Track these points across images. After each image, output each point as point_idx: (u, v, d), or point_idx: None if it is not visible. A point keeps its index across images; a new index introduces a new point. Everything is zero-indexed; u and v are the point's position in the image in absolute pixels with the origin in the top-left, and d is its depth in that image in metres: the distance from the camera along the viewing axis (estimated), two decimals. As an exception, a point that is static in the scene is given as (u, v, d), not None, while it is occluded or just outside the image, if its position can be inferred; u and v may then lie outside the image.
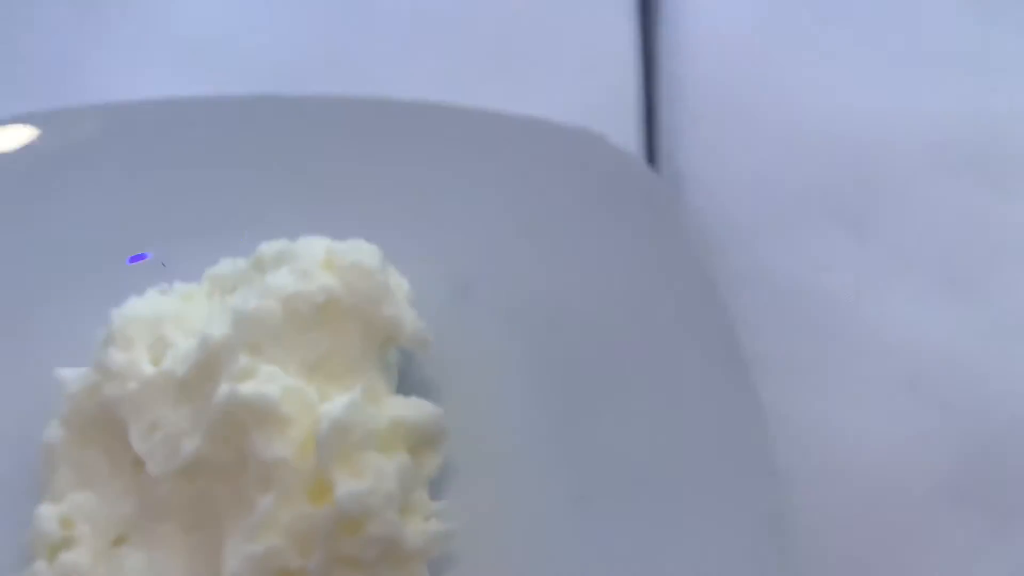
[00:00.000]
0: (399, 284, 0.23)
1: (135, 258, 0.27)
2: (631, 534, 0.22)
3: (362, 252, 0.23)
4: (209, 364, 0.22)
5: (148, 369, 0.23)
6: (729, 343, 0.24)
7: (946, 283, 0.27)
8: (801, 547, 0.22)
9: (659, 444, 0.23)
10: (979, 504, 0.23)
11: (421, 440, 0.22)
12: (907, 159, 0.29)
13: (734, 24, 0.33)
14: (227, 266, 0.25)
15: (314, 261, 0.22)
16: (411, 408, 0.22)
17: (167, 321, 0.23)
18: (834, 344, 0.26)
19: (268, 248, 0.24)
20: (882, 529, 0.23)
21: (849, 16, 0.33)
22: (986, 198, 0.28)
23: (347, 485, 0.20)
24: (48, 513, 0.22)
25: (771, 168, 0.29)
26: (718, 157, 0.29)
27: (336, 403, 0.20)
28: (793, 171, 0.29)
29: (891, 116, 0.30)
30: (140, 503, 0.22)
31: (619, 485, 0.23)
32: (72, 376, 0.24)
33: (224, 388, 0.21)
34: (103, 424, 0.23)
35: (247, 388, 0.20)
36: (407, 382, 0.24)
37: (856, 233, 0.28)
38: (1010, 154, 0.29)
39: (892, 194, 0.29)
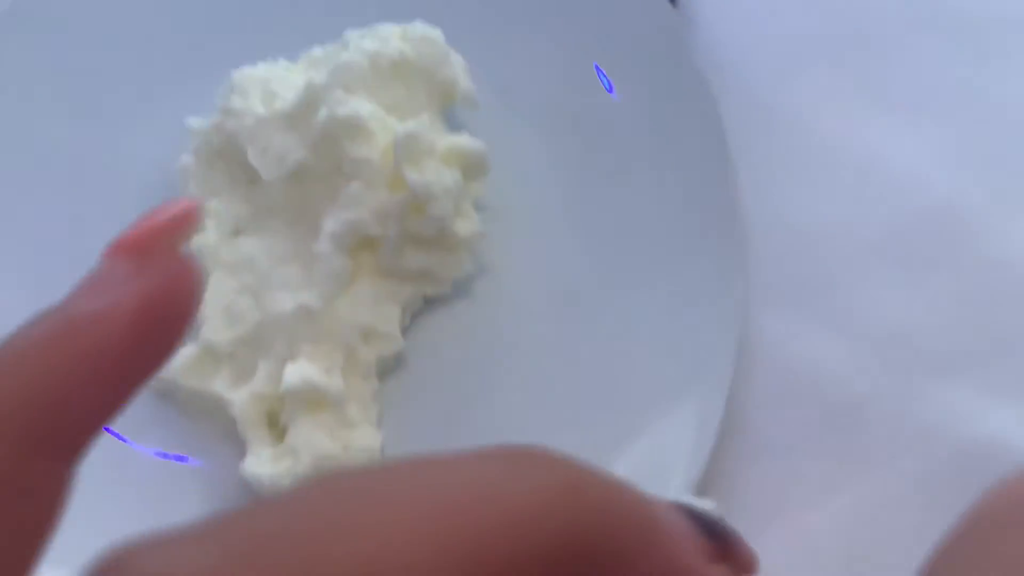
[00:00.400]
0: (458, 58, 0.30)
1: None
2: (624, 276, 0.29)
3: (428, 29, 0.30)
4: (311, 101, 0.29)
5: (262, 109, 0.30)
6: (719, 145, 0.30)
7: (920, 120, 0.33)
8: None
9: (651, 209, 0.30)
10: (899, 259, 0.29)
11: (470, 166, 0.29)
12: (903, 18, 0.35)
13: None
14: (320, 49, 0.31)
15: (391, 33, 0.29)
16: (464, 140, 0.29)
17: (275, 80, 0.30)
18: (812, 155, 0.32)
19: (353, 33, 0.31)
20: (823, 271, 0.29)
21: None
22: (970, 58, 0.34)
23: (416, 176, 0.27)
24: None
25: (777, 18, 0.35)
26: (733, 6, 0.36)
27: (410, 122, 0.27)
28: (797, 21, 0.35)
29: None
30: (254, 207, 0.29)
31: (619, 239, 0.30)
32: (199, 120, 0.31)
33: (324, 110, 0.28)
34: (224, 153, 0.30)
35: (342, 109, 0.27)
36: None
37: (852, 79, 0.34)
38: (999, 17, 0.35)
39: (886, 48, 0.34)
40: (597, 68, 0.31)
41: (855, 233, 0.31)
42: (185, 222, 0.14)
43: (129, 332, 0.13)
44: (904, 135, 0.32)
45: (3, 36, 0.33)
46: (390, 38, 0.29)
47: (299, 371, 0.26)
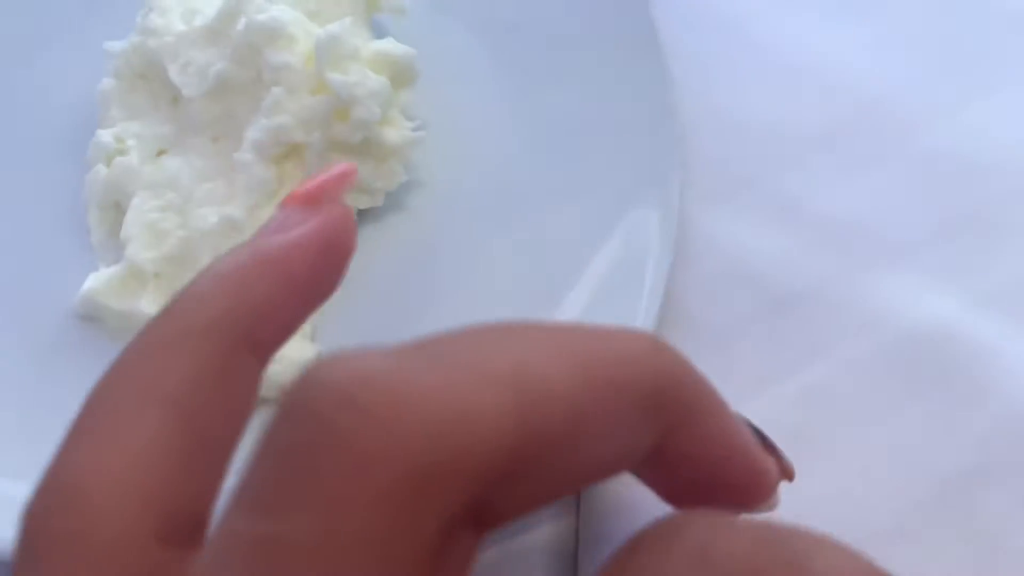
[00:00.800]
0: None
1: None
2: (561, 174, 0.29)
3: None
4: (231, 13, 0.28)
5: (182, 26, 0.29)
6: (651, 43, 0.29)
7: (850, 16, 0.32)
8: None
9: (585, 110, 0.29)
10: (837, 153, 0.29)
11: (398, 72, 0.28)
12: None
13: None
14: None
15: None
16: (390, 44, 0.28)
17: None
18: (745, 54, 0.31)
19: None
20: (761, 166, 0.29)
21: None
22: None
23: (339, 78, 0.26)
24: (104, 134, 0.29)
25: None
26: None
27: (332, 26, 0.26)
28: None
29: None
30: (177, 126, 0.28)
31: (554, 141, 0.29)
32: (118, 43, 0.30)
33: (243, 19, 0.27)
34: (146, 74, 0.29)
35: (263, 16, 0.26)
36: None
37: None
38: None
39: None
40: None
41: (792, 129, 0.30)
42: (344, 179, 0.19)
43: (311, 257, 0.17)
44: (835, 32, 0.32)
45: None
46: None
47: (227, 283, 0.25)
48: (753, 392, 0.26)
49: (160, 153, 0.28)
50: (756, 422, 0.24)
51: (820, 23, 0.32)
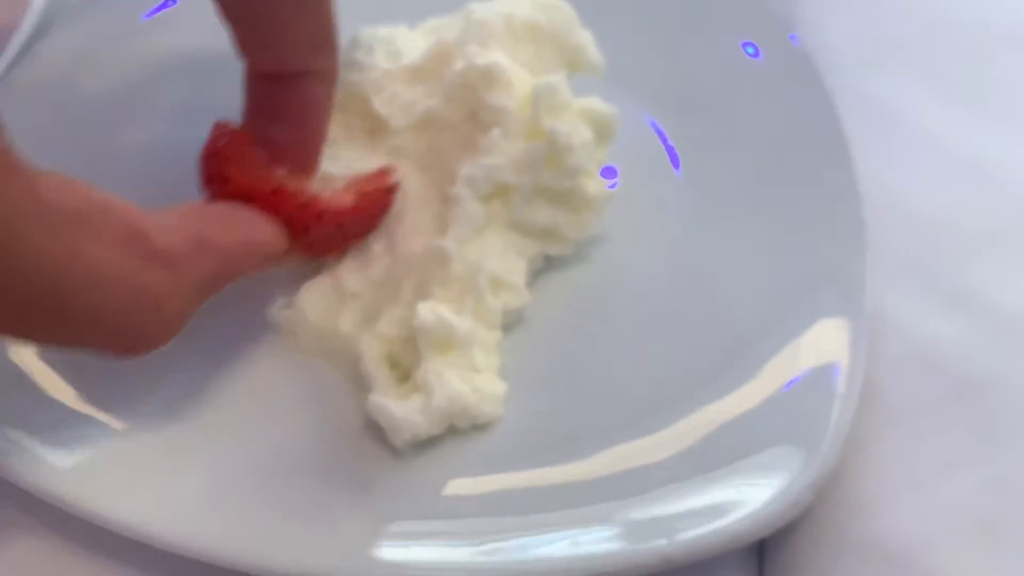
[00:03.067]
0: (586, 32, 0.30)
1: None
2: (743, 242, 0.29)
3: (558, 2, 0.30)
4: (441, 55, 0.29)
5: (386, 64, 0.30)
6: (828, 113, 0.31)
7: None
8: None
9: (764, 171, 0.30)
10: (1014, 247, 0.30)
11: (601, 128, 0.29)
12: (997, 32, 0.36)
13: None
14: (439, 20, 0.32)
15: (520, 1, 0.30)
16: (597, 102, 0.29)
17: (400, 40, 0.31)
18: (922, 149, 0.32)
19: (476, 4, 0.31)
20: (941, 254, 0.30)
21: None
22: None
23: (556, 127, 0.27)
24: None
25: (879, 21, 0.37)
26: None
27: (549, 76, 0.28)
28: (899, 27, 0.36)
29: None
30: (378, 154, 0.29)
31: (733, 206, 0.30)
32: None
33: (461, 61, 0.28)
34: (344, 105, 0.30)
35: (481, 59, 0.27)
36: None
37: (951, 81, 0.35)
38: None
39: (984, 59, 0.35)
40: (744, 44, 0.32)
41: (969, 222, 0.31)
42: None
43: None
44: (1007, 138, 0.33)
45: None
46: (521, 3, 0.29)
47: (432, 309, 0.25)
48: (941, 476, 0.26)
49: None
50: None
51: (992, 124, 0.33)
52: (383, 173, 0.28)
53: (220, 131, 0.25)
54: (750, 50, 0.33)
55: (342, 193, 0.26)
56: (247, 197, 0.24)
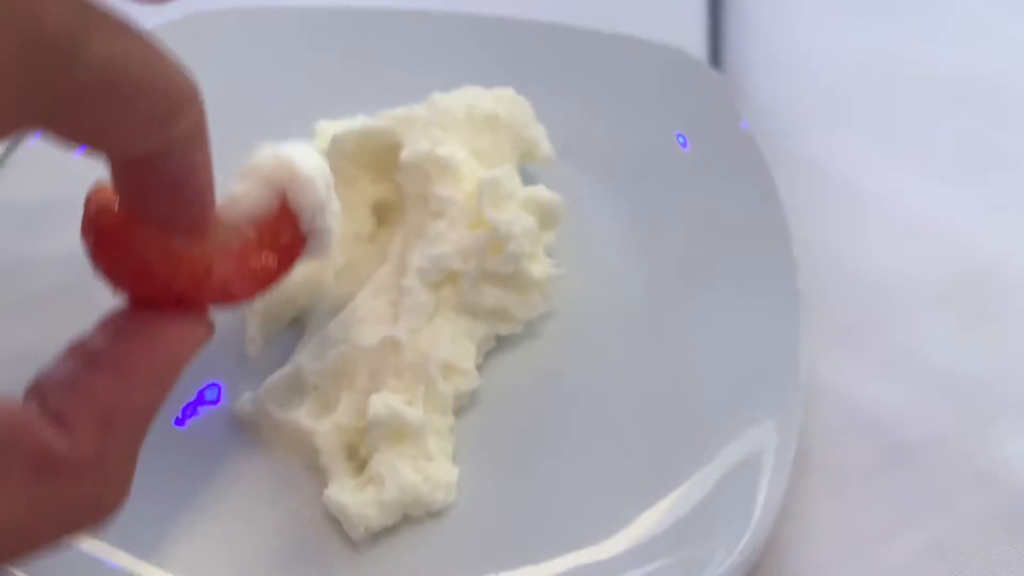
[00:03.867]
0: (540, 127, 0.32)
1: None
2: (688, 316, 0.30)
3: (516, 95, 0.32)
4: (394, 145, 0.30)
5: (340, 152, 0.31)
6: (770, 195, 0.32)
7: (957, 180, 0.35)
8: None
9: (704, 247, 0.32)
10: (951, 309, 0.31)
11: (545, 214, 0.30)
12: (938, 88, 0.38)
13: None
14: (402, 109, 0.33)
15: (484, 94, 0.32)
16: (541, 190, 0.30)
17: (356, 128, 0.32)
18: (858, 211, 0.34)
19: (439, 95, 0.32)
20: (877, 317, 0.31)
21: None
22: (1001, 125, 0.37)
23: (498, 216, 0.28)
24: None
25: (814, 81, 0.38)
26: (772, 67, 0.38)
27: (494, 170, 0.29)
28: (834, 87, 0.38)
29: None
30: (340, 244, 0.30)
31: (679, 284, 0.31)
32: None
33: (423, 144, 0.29)
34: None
35: (441, 149, 0.29)
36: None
37: (889, 140, 0.37)
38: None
39: (921, 114, 0.37)
40: (678, 135, 0.34)
41: (906, 284, 0.32)
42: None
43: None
44: (947, 192, 0.35)
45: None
46: (484, 95, 0.31)
47: (385, 401, 0.26)
48: (878, 541, 0.27)
49: (340, 269, 0.30)
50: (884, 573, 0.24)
51: (933, 184, 0.34)
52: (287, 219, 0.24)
53: (100, 203, 0.22)
54: (681, 137, 0.35)
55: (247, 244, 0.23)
56: (142, 273, 0.21)
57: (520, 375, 0.30)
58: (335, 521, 0.26)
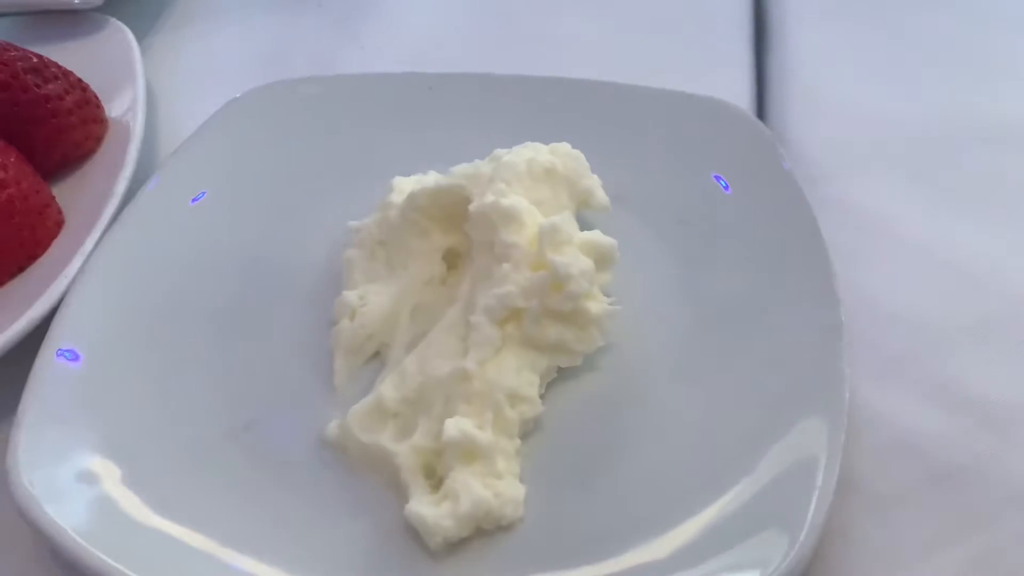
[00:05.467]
0: (594, 177, 0.36)
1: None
2: (735, 347, 0.33)
3: (573, 150, 0.36)
4: (462, 197, 0.34)
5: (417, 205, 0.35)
6: (808, 223, 0.35)
7: (992, 220, 0.37)
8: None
9: (749, 282, 0.34)
10: (988, 342, 0.33)
11: (601, 257, 0.33)
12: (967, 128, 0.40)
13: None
14: (467, 165, 0.37)
15: (540, 148, 0.35)
16: (597, 235, 0.33)
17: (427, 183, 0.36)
18: (897, 251, 0.36)
19: (501, 151, 0.36)
20: (916, 351, 0.33)
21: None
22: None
23: (557, 259, 0.31)
24: (349, 295, 0.34)
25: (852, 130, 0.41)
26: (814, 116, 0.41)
27: (554, 217, 0.32)
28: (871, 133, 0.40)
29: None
30: (413, 286, 0.34)
31: (724, 315, 0.34)
32: (358, 222, 0.36)
33: (489, 196, 0.33)
34: (384, 240, 0.35)
35: (505, 200, 0.32)
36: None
37: (924, 182, 0.39)
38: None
39: (956, 155, 0.40)
40: (716, 177, 0.37)
41: (944, 319, 0.34)
42: None
43: None
44: (979, 233, 0.37)
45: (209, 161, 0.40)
46: (541, 151, 0.35)
47: (457, 425, 0.30)
48: (918, 558, 0.28)
49: (414, 309, 0.34)
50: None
51: (968, 224, 0.36)
52: None
53: None
54: (722, 183, 0.37)
55: None
56: None
57: (580, 403, 0.32)
58: (415, 533, 0.29)
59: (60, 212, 0.39)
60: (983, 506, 0.29)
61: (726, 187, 0.37)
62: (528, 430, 0.32)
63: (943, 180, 0.39)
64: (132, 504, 0.30)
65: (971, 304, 0.35)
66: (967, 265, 0.36)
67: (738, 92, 0.43)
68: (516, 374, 0.31)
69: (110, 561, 0.28)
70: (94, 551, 0.28)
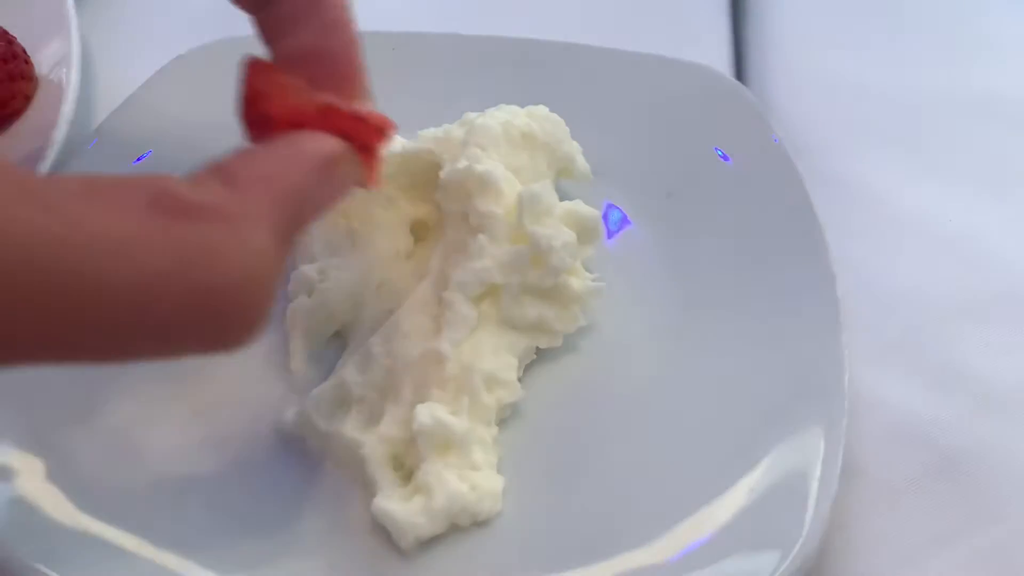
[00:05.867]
0: (575, 143, 0.33)
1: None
2: (725, 328, 0.31)
3: (551, 113, 0.33)
4: (432, 164, 0.31)
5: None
6: (801, 198, 0.33)
7: (986, 198, 0.35)
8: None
9: (740, 259, 0.32)
10: (989, 323, 0.31)
11: (584, 230, 0.30)
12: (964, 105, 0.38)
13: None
14: (436, 129, 0.34)
15: (517, 111, 0.32)
16: (580, 205, 0.31)
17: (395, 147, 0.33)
18: (894, 229, 0.34)
19: (472, 113, 0.33)
20: (917, 332, 0.31)
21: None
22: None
23: (538, 231, 0.29)
24: (308, 269, 0.31)
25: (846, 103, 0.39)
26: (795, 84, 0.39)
27: (534, 184, 0.29)
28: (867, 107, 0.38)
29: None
30: (380, 260, 0.31)
31: (713, 295, 0.32)
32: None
33: (463, 162, 0.30)
34: (346, 211, 0.32)
35: (479, 166, 0.30)
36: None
37: (919, 159, 0.37)
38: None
39: (952, 132, 0.38)
40: (716, 149, 0.34)
41: (940, 299, 0.32)
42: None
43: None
44: (973, 209, 0.35)
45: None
46: (519, 113, 0.32)
47: (430, 411, 0.27)
48: (926, 551, 0.27)
49: (379, 285, 0.31)
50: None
51: (962, 199, 0.35)
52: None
53: (250, 69, 0.23)
54: (719, 152, 0.35)
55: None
56: (297, 127, 0.22)
57: (561, 387, 0.30)
58: (383, 531, 0.26)
59: (-16, 177, 0.35)
60: (992, 496, 0.28)
61: (725, 157, 0.35)
62: (505, 416, 0.29)
63: (937, 155, 0.37)
64: (56, 502, 0.27)
65: (967, 284, 0.33)
66: (963, 244, 0.34)
67: (717, 62, 0.41)
68: (494, 356, 0.28)
69: (32, 563, 0.25)
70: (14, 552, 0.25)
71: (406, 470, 0.28)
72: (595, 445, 0.29)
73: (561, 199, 0.32)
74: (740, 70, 0.41)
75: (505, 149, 0.31)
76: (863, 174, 0.36)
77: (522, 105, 0.34)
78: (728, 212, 0.34)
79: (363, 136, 0.22)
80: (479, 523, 0.27)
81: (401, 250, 0.32)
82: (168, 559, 0.26)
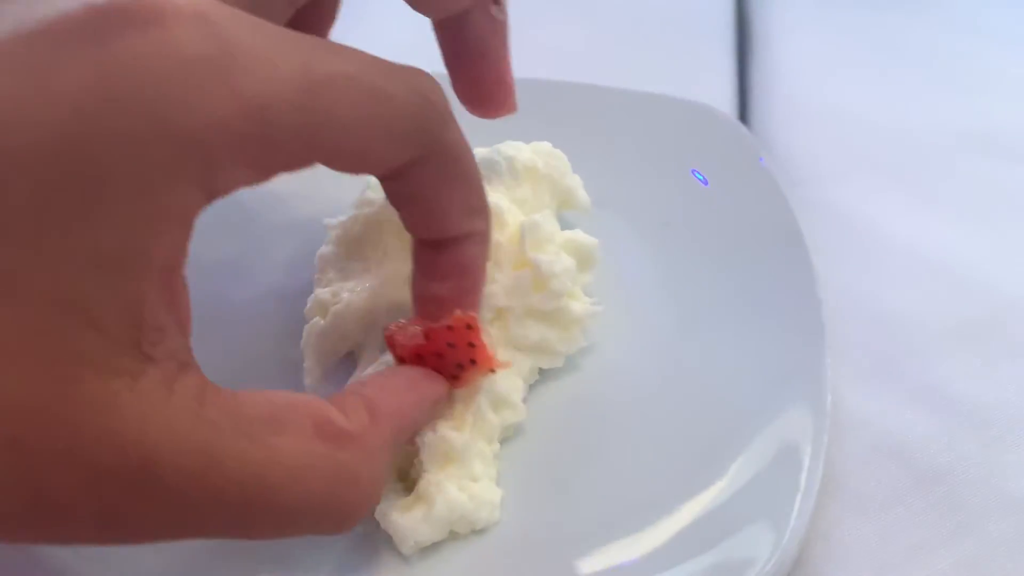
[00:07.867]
0: (576, 177, 0.35)
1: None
2: (717, 349, 0.32)
3: (554, 149, 0.35)
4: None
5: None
6: (787, 221, 0.34)
7: (973, 226, 0.37)
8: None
9: (733, 293, 0.34)
10: (972, 346, 0.32)
11: (583, 256, 0.33)
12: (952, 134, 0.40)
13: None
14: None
15: (521, 147, 0.35)
16: (579, 234, 0.33)
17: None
18: (880, 253, 0.36)
19: (480, 149, 0.35)
20: (900, 353, 0.32)
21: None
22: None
23: (539, 257, 0.30)
24: (322, 292, 0.33)
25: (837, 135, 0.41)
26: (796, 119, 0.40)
27: (536, 214, 0.31)
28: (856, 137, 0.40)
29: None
30: (389, 284, 0.33)
31: (705, 315, 0.33)
32: (334, 219, 0.35)
33: None
34: (360, 236, 0.34)
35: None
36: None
37: (908, 188, 0.39)
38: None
39: (940, 161, 0.40)
40: (694, 172, 0.36)
41: (926, 322, 0.34)
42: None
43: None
44: (961, 237, 0.37)
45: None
46: (523, 149, 0.34)
47: (433, 426, 0.28)
48: (909, 561, 0.28)
49: (389, 308, 0.32)
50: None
51: (950, 227, 0.36)
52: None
53: (397, 337, 0.28)
54: (700, 176, 0.37)
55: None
56: (419, 363, 0.28)
57: (561, 405, 0.32)
58: (386, 536, 0.28)
59: None
60: (970, 509, 0.29)
61: (704, 181, 0.37)
62: (508, 434, 0.31)
63: (927, 185, 0.39)
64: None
65: (953, 308, 0.34)
66: (950, 270, 0.35)
67: (721, 99, 0.43)
68: (502, 378, 0.30)
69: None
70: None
71: (410, 481, 0.29)
72: (591, 460, 0.30)
73: (564, 228, 0.34)
74: (744, 107, 0.43)
75: (509, 182, 0.33)
76: (858, 204, 0.38)
77: (527, 141, 0.36)
78: (719, 239, 0.35)
79: (468, 379, 0.29)
80: (477, 531, 0.28)
81: (410, 275, 0.34)
82: (169, 559, 0.27)
